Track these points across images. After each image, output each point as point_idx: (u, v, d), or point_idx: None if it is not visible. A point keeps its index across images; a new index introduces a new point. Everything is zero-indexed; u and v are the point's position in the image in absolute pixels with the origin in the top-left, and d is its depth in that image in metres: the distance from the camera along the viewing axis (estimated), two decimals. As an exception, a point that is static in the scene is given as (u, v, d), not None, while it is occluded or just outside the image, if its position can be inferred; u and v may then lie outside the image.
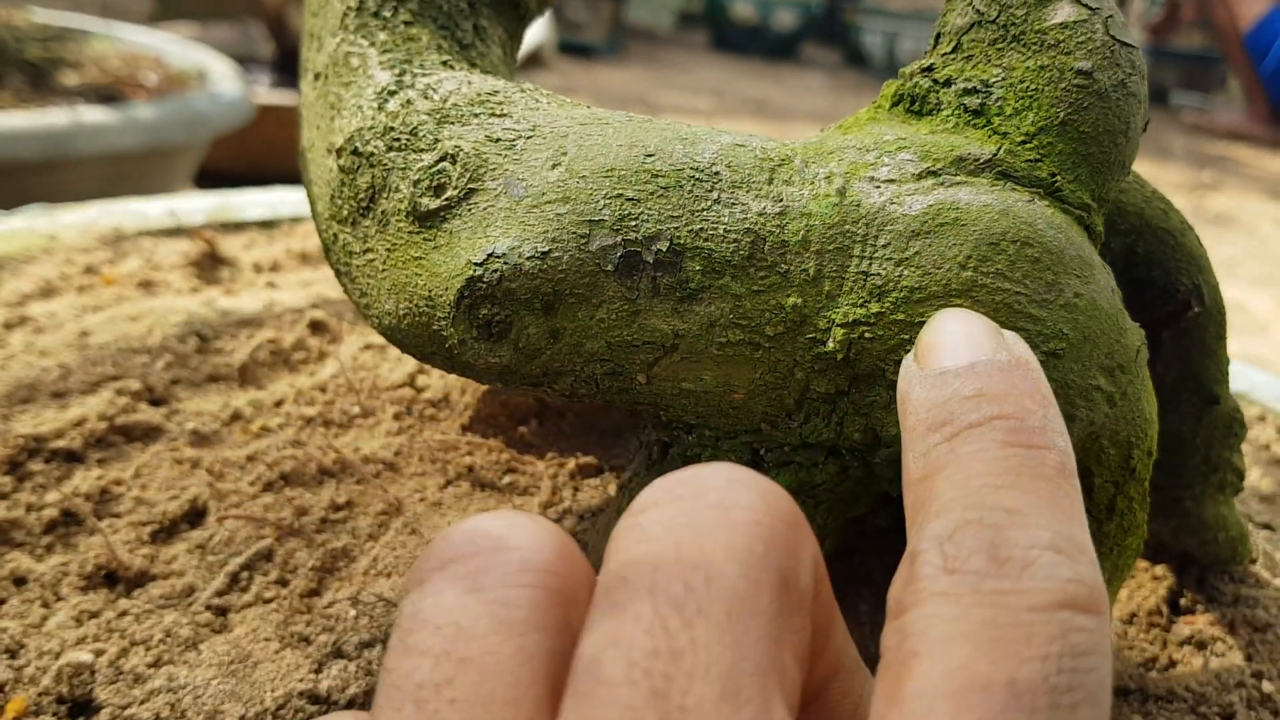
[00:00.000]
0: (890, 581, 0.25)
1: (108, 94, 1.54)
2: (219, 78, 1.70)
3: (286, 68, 2.35)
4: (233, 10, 3.10)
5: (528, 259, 0.32)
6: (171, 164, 1.55)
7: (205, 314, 0.57)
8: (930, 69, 0.34)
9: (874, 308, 0.30)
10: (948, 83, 0.33)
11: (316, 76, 0.40)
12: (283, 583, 0.39)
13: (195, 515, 0.43)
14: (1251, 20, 4.86)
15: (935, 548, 0.24)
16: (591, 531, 0.41)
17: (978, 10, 0.33)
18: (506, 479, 0.45)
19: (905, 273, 0.30)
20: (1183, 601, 0.51)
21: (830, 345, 0.31)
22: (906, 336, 0.30)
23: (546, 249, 0.32)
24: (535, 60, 4.92)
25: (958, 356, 0.28)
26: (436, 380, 0.51)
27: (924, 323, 0.30)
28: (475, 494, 0.44)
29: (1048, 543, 0.24)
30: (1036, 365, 0.28)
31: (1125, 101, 0.32)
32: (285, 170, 1.44)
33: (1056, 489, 0.26)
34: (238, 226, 0.76)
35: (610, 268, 0.31)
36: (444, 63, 0.38)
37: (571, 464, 0.46)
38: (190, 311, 0.57)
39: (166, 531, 0.42)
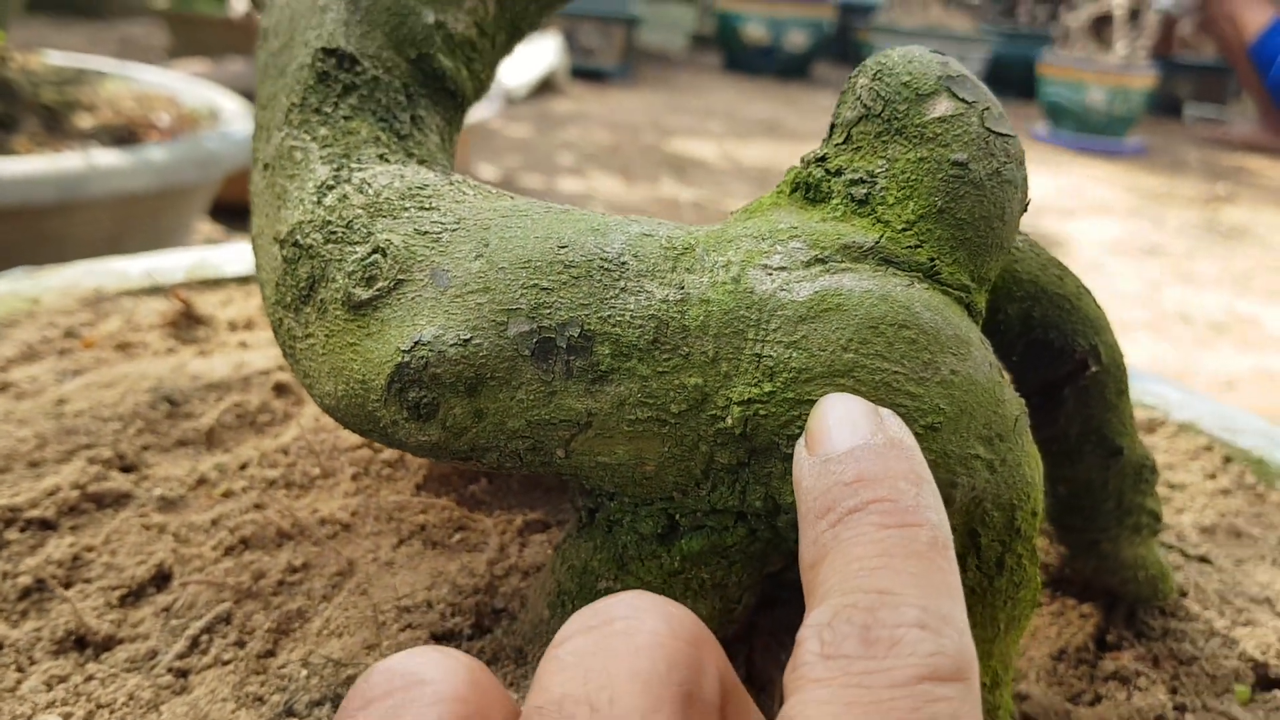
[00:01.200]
0: None
1: (121, 136, 1.57)
2: (231, 116, 1.73)
3: (299, 103, 2.38)
4: (247, 46, 3.14)
5: (451, 346, 0.34)
6: (184, 203, 1.58)
7: (176, 379, 0.60)
8: (823, 159, 0.37)
9: (766, 387, 0.33)
10: (838, 172, 0.36)
11: (265, 167, 0.43)
12: (240, 644, 0.42)
13: (161, 579, 0.45)
14: (1256, 32, 4.89)
15: (815, 635, 0.27)
16: (531, 588, 0.43)
17: (865, 105, 0.36)
18: (457, 537, 0.48)
19: (793, 354, 0.33)
20: (1109, 638, 0.53)
21: (729, 421, 0.33)
22: (796, 413, 0.33)
23: (468, 336, 0.34)
24: (549, 86, 4.96)
25: (839, 442, 0.30)
26: (394, 440, 0.54)
27: (812, 400, 0.32)
28: (427, 552, 0.47)
29: (914, 620, 0.26)
30: (911, 443, 0.30)
31: (1000, 189, 0.35)
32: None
33: (928, 564, 0.28)
34: (216, 283, 0.79)
35: (527, 352, 0.34)
36: (380, 155, 0.41)
37: (519, 520, 0.48)
38: (161, 377, 0.60)
39: (135, 595, 0.45)
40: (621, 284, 0.34)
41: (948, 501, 0.33)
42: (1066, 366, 0.42)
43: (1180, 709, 0.50)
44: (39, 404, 0.57)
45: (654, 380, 0.34)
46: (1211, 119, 5.93)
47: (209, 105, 1.78)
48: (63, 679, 0.40)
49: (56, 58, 1.92)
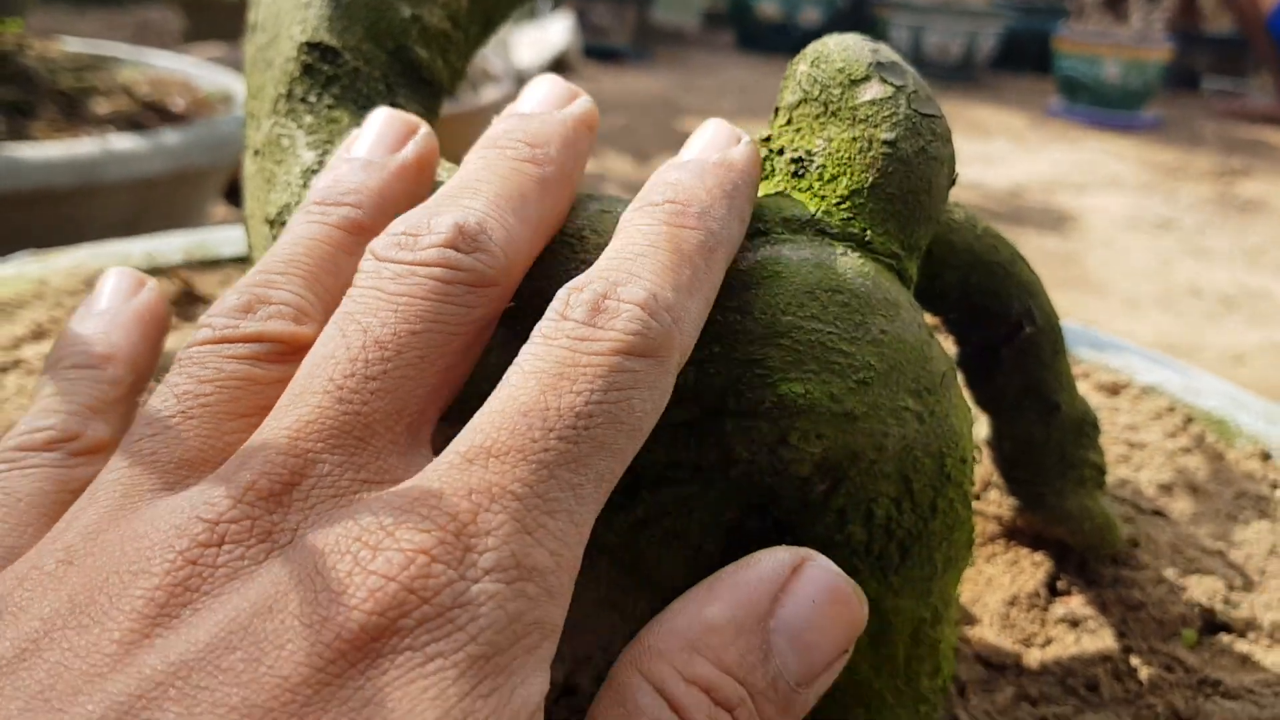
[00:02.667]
0: None
1: (137, 121, 1.60)
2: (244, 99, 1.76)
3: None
4: None
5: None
6: (199, 185, 1.61)
7: (173, 353, 0.63)
8: (768, 139, 0.40)
9: (715, 349, 0.36)
10: (780, 151, 0.39)
11: (255, 153, 0.46)
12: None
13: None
14: (1273, 4, 4.89)
15: (563, 296, 0.31)
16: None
17: (804, 89, 0.39)
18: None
19: (737, 318, 0.36)
20: (1060, 584, 0.56)
21: (685, 381, 0.37)
22: (741, 371, 0.36)
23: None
24: (561, 66, 4.98)
25: (689, 152, 0.35)
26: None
27: (756, 360, 0.36)
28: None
29: (639, 299, 0.30)
30: (744, 171, 0.35)
31: (927, 165, 0.38)
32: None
33: (684, 261, 0.32)
34: (214, 264, 0.82)
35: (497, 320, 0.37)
36: (361, 141, 0.44)
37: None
38: (166, 351, 0.63)
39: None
40: (581, 255, 0.37)
41: (881, 450, 0.36)
42: (1003, 328, 0.45)
43: (1127, 650, 0.53)
44: (51, 380, 0.60)
45: (612, 344, 0.37)
46: (1229, 92, 5.92)
47: (223, 89, 1.81)
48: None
49: (74, 44, 1.95)
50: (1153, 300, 2.73)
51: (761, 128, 0.41)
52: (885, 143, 0.37)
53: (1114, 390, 0.79)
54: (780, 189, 0.38)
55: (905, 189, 0.37)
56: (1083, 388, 0.80)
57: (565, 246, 0.38)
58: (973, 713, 0.47)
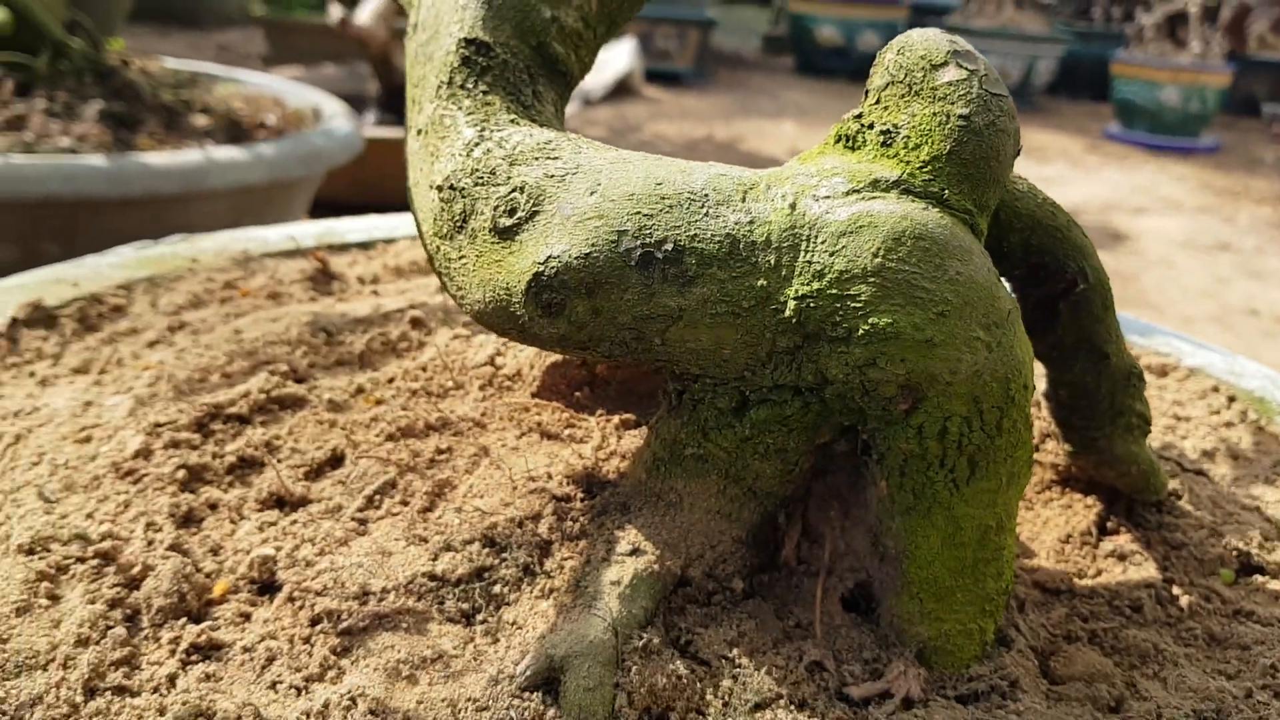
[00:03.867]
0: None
1: (235, 133, 1.72)
2: (332, 115, 1.87)
3: (391, 105, 2.52)
4: (341, 51, 3.30)
5: (575, 258, 0.45)
6: (291, 194, 1.72)
7: (328, 315, 0.72)
8: (860, 115, 0.47)
9: (815, 286, 0.44)
10: (871, 125, 0.47)
11: (419, 132, 0.55)
12: (404, 503, 0.53)
13: (336, 461, 0.57)
14: None
15: None
16: (630, 460, 0.54)
17: (891, 73, 0.46)
18: (567, 432, 0.59)
19: (836, 260, 0.43)
20: (1109, 525, 0.63)
21: (787, 313, 0.44)
22: (839, 305, 0.43)
23: (588, 251, 0.45)
24: (625, 89, 5.08)
25: None
26: (511, 360, 0.65)
27: (851, 296, 0.43)
28: (544, 442, 0.58)
29: None
30: None
31: (995, 136, 0.45)
32: (391, 197, 1.59)
33: None
34: (342, 248, 0.91)
35: (633, 263, 0.45)
36: (512, 120, 0.52)
37: (616, 420, 0.60)
38: (316, 314, 0.72)
39: (316, 472, 0.57)
40: (705, 210, 0.45)
41: (955, 373, 0.44)
42: (1060, 284, 0.52)
43: (1169, 582, 0.59)
44: (219, 335, 0.69)
45: (729, 283, 0.45)
46: (1289, 117, 5.89)
47: (312, 105, 1.92)
48: (271, 524, 0.52)
49: (171, 62, 2.07)
50: (1209, 318, 2.75)
51: (839, 123, 0.49)
52: (961, 117, 0.45)
53: (1163, 372, 0.85)
54: (870, 157, 0.46)
55: (977, 155, 0.45)
56: (1135, 368, 0.86)
57: (691, 203, 0.46)
58: (1031, 625, 0.54)
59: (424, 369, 0.65)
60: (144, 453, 0.56)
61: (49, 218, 1.39)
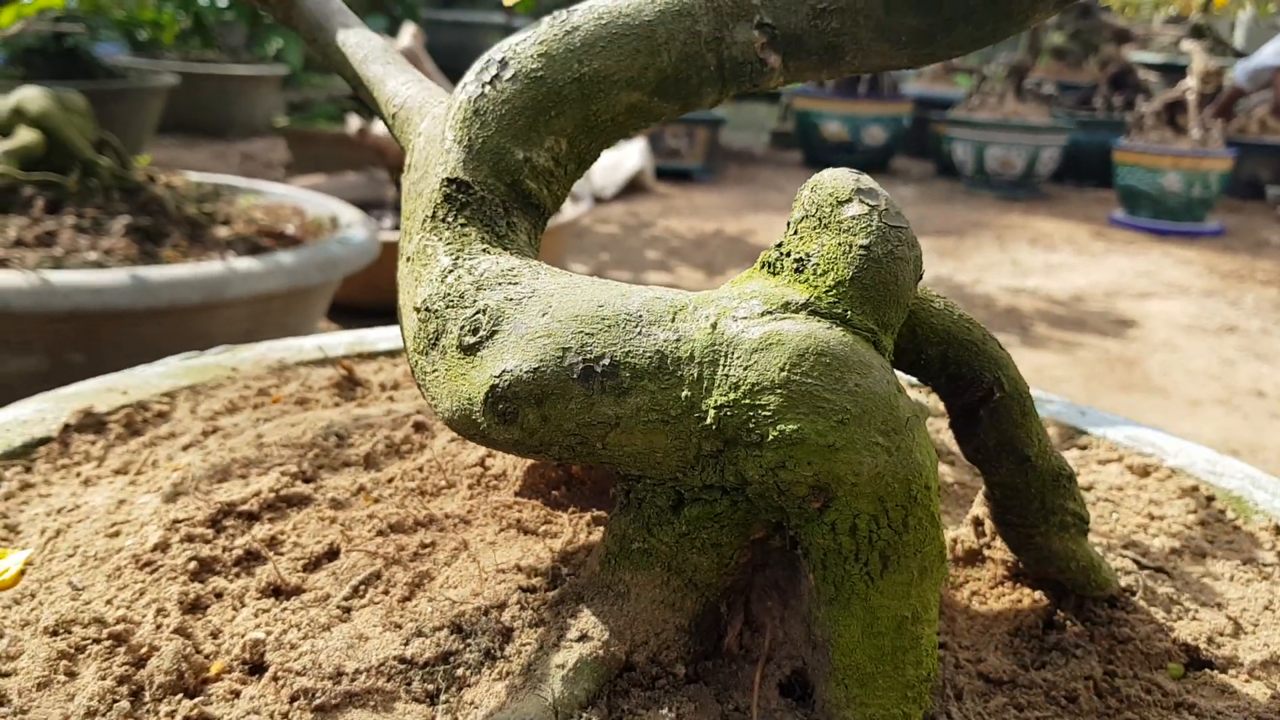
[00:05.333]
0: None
1: (255, 244, 1.82)
2: (349, 223, 1.96)
3: (409, 209, 2.63)
4: (361, 160, 3.46)
5: (525, 372, 0.52)
6: (310, 300, 1.81)
7: (342, 420, 0.79)
8: (780, 244, 0.53)
9: (732, 396, 0.49)
10: (788, 254, 0.52)
11: (407, 259, 0.62)
12: (386, 593, 0.59)
13: (332, 554, 0.63)
14: None
15: None
16: (591, 554, 0.59)
17: (805, 208, 0.52)
18: (543, 527, 0.65)
19: (749, 374, 0.49)
20: (1057, 618, 0.66)
21: (709, 420, 0.50)
22: (752, 414, 0.49)
23: (536, 365, 0.51)
24: (636, 186, 5.21)
25: None
26: (499, 461, 0.71)
27: (762, 405, 0.48)
28: (520, 537, 0.64)
29: None
30: None
31: (894, 264, 0.51)
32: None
33: None
34: (370, 356, 0.99)
35: (575, 376, 0.51)
36: (484, 249, 0.59)
37: (588, 516, 0.65)
38: (332, 419, 0.79)
39: (314, 564, 0.63)
40: (639, 329, 0.51)
41: (858, 475, 0.49)
42: (978, 393, 0.56)
43: (1110, 674, 0.62)
44: (244, 439, 0.77)
45: (659, 394, 0.50)
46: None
47: (330, 214, 2.02)
48: (265, 611, 0.58)
49: (195, 175, 2.19)
50: (1214, 400, 2.72)
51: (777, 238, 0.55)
52: (862, 246, 0.50)
53: (1144, 472, 0.88)
54: (785, 281, 0.52)
55: (877, 280, 0.50)
56: (1115, 469, 0.89)
57: (627, 324, 0.52)
58: (965, 711, 0.58)
59: (421, 469, 0.71)
60: (162, 546, 0.63)
61: (77, 329, 1.48)
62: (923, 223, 4.83)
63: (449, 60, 2.01)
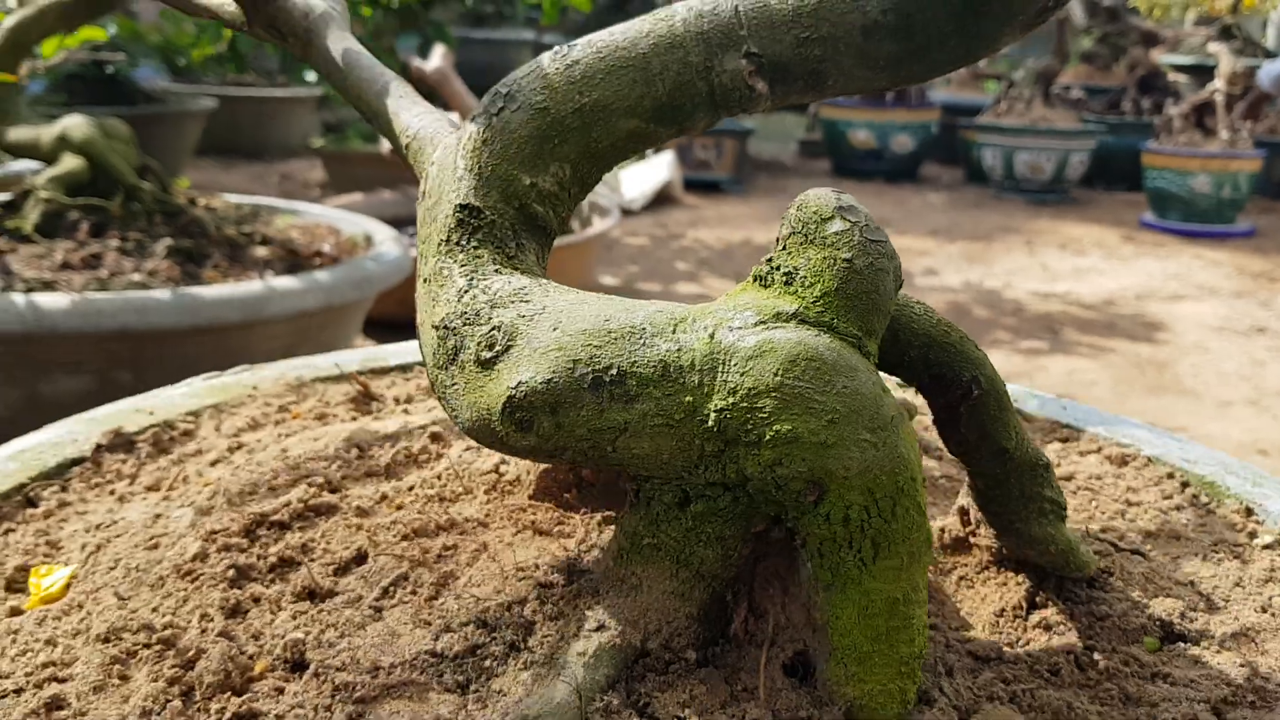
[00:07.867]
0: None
1: (293, 263, 1.87)
2: (382, 240, 2.02)
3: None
4: (396, 179, 3.51)
5: (539, 383, 0.56)
6: (346, 317, 1.86)
7: (362, 434, 0.83)
8: (770, 259, 0.58)
9: (730, 400, 0.54)
10: (778, 268, 0.57)
11: (425, 280, 0.66)
12: (414, 593, 0.64)
13: (361, 558, 0.68)
14: None
15: None
16: (604, 553, 0.64)
17: (792, 225, 0.57)
18: (557, 528, 0.69)
19: (745, 380, 0.53)
20: (1039, 599, 0.70)
21: (710, 423, 0.54)
22: (749, 415, 0.53)
23: (549, 376, 0.56)
24: (665, 198, 5.25)
25: None
26: (513, 467, 0.76)
27: (758, 408, 0.53)
28: (536, 538, 0.68)
29: None
30: None
31: (875, 275, 0.55)
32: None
33: None
34: (384, 371, 1.03)
35: (586, 386, 0.55)
36: (496, 270, 0.64)
37: (598, 517, 0.69)
38: (351, 432, 0.83)
39: (343, 569, 0.67)
40: (643, 341, 0.56)
41: (848, 469, 0.53)
42: (957, 391, 0.61)
43: (1089, 648, 0.67)
44: (269, 454, 0.81)
45: (664, 400, 0.55)
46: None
47: (365, 232, 2.08)
48: (304, 613, 0.63)
49: (233, 198, 2.25)
50: (1246, 402, 2.77)
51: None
52: (845, 260, 0.55)
53: (1122, 462, 0.93)
54: (776, 293, 0.56)
55: (860, 290, 0.55)
56: (1094, 460, 0.94)
57: (632, 336, 0.56)
58: (955, 686, 0.62)
59: (439, 477, 0.76)
60: (201, 556, 0.67)
61: (123, 348, 1.53)
62: (952, 229, 4.87)
63: (479, 79, 2.05)
